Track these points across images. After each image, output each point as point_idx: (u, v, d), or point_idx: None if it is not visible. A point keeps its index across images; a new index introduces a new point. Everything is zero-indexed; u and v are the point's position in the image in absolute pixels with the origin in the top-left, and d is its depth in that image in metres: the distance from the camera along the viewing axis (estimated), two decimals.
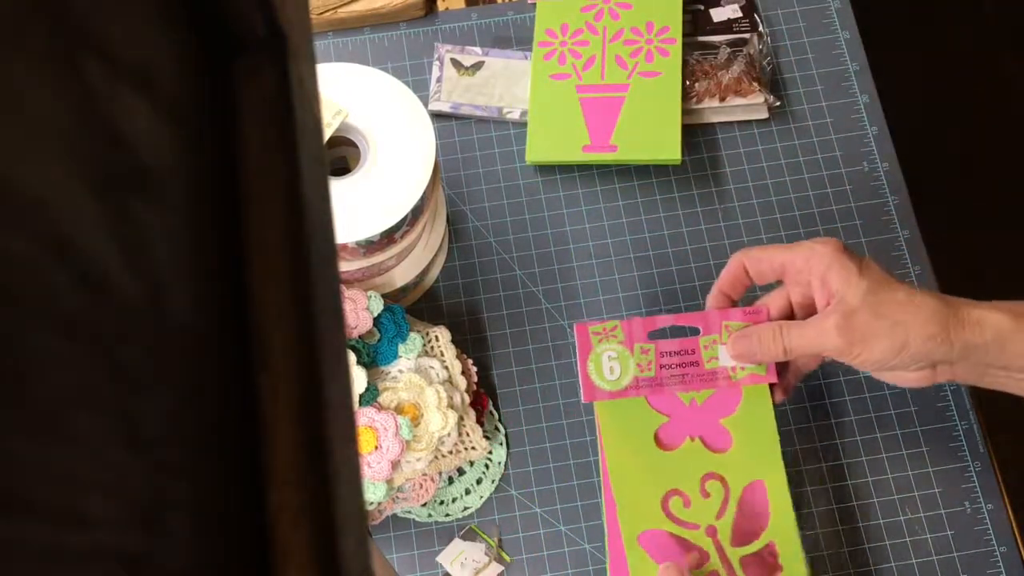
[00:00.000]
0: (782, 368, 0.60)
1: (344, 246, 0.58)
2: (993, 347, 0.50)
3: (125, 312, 0.16)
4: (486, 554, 0.62)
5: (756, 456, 0.59)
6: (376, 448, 0.57)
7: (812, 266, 0.54)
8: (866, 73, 0.75)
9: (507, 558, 0.62)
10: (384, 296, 0.61)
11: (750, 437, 0.59)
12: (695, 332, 0.61)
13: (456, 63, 0.74)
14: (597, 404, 0.59)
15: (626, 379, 0.59)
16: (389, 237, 0.59)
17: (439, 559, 0.62)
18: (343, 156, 0.63)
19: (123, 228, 0.16)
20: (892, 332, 0.50)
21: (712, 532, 0.57)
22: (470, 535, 0.63)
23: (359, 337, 0.59)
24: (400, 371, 0.60)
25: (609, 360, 0.59)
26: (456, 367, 0.61)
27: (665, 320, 0.60)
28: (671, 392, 0.60)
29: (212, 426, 0.19)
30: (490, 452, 0.63)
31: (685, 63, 0.72)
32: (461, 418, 0.60)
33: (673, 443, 0.59)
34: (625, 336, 0.60)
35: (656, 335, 0.61)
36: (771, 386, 0.59)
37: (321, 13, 0.74)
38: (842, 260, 0.52)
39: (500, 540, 0.63)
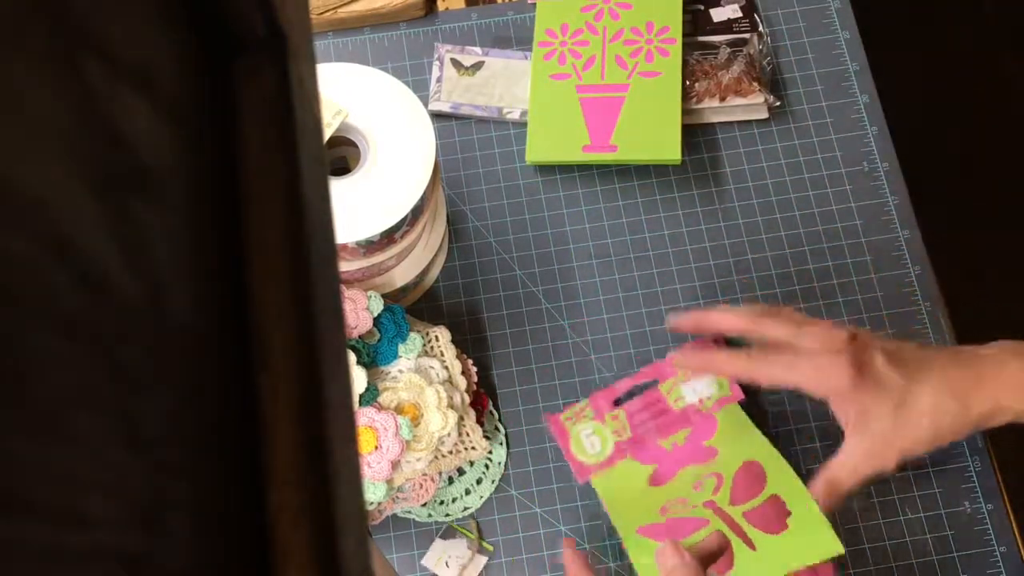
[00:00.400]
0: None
1: (344, 246, 0.58)
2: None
3: (125, 312, 0.16)
4: (468, 548, 0.62)
5: (741, 446, 0.60)
6: (376, 448, 0.57)
7: (828, 391, 0.53)
8: (866, 73, 0.74)
9: (489, 548, 0.62)
10: (384, 296, 0.61)
11: (735, 443, 0.61)
12: (654, 382, 0.64)
13: (456, 63, 0.74)
14: (593, 480, 0.62)
15: (608, 448, 0.63)
16: (389, 237, 0.59)
17: (423, 562, 0.62)
18: (343, 156, 0.63)
19: (123, 228, 0.16)
20: (920, 440, 0.52)
21: (709, 504, 0.57)
22: (449, 533, 0.63)
23: (359, 337, 0.59)
24: (400, 371, 0.60)
25: (587, 437, 0.63)
26: (456, 367, 0.61)
27: (624, 385, 0.65)
28: (652, 443, 0.63)
29: (212, 426, 0.19)
30: (490, 452, 0.63)
31: (685, 63, 0.72)
32: (461, 418, 0.60)
33: (667, 479, 0.62)
34: (594, 412, 0.64)
35: (622, 399, 0.65)
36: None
37: (321, 13, 0.74)
38: (858, 391, 0.51)
39: (480, 531, 0.63)
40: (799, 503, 0.55)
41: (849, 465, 0.54)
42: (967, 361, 0.52)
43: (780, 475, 0.57)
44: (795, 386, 0.55)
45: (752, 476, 0.58)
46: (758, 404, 0.65)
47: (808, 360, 0.53)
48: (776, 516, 0.55)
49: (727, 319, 0.57)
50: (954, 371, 0.51)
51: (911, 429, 0.52)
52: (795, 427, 0.65)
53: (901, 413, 0.51)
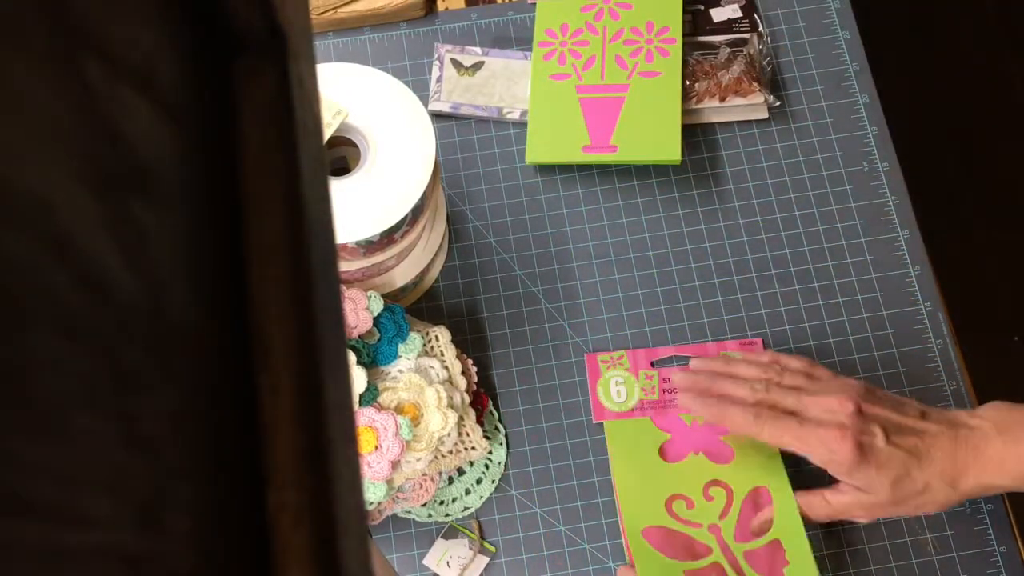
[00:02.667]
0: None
1: (344, 246, 0.58)
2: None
3: (125, 312, 0.16)
4: (470, 548, 0.62)
5: (758, 466, 0.61)
6: (376, 448, 0.57)
7: (830, 465, 0.55)
8: (866, 73, 0.74)
9: (491, 548, 0.62)
10: (384, 296, 0.61)
11: (750, 450, 0.61)
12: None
13: (456, 63, 0.74)
14: (606, 423, 0.63)
15: (632, 401, 0.64)
16: (389, 237, 0.59)
17: (425, 562, 0.62)
18: (343, 156, 0.63)
19: (123, 228, 0.16)
20: (908, 511, 0.56)
21: (715, 530, 0.58)
22: (451, 533, 0.63)
23: (359, 337, 0.59)
24: (400, 371, 0.60)
25: (616, 385, 0.64)
26: (456, 367, 0.61)
27: (667, 351, 0.66)
28: (674, 413, 0.64)
29: (212, 426, 0.19)
30: (490, 452, 0.63)
31: (685, 63, 0.72)
32: (461, 418, 0.60)
33: (677, 457, 0.62)
34: (631, 364, 0.65)
35: (659, 364, 0.66)
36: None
37: (321, 13, 0.74)
38: (859, 468, 0.53)
39: (481, 531, 0.63)
40: (798, 553, 0.57)
41: (837, 507, 0.57)
42: (963, 440, 0.54)
43: (786, 515, 0.58)
44: (799, 453, 0.57)
45: (759, 507, 0.59)
46: None
47: (813, 433, 0.54)
48: (774, 563, 0.57)
49: (742, 374, 0.60)
50: (948, 459, 0.54)
51: (902, 502, 0.55)
52: None
53: (897, 488, 0.54)
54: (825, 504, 0.57)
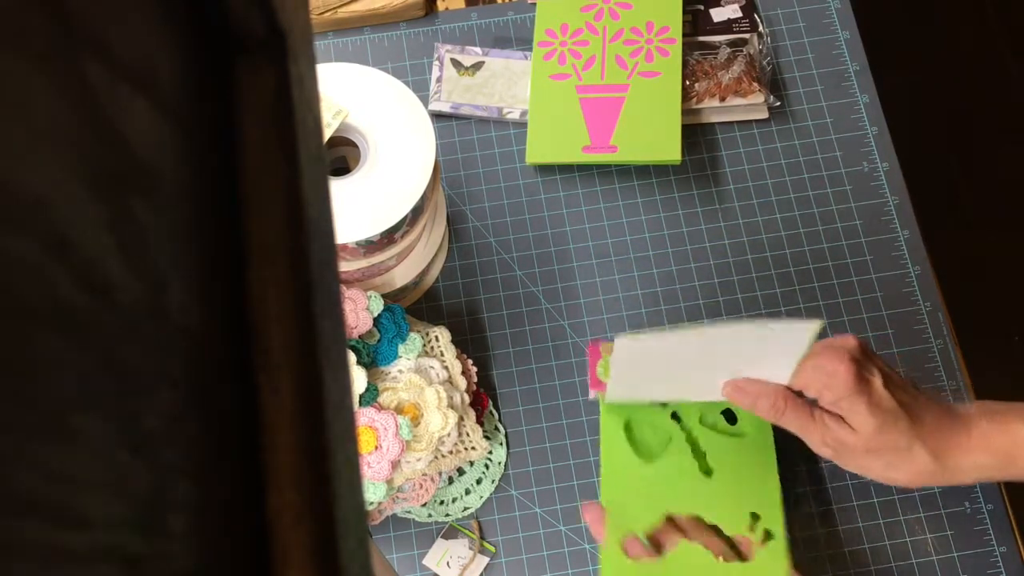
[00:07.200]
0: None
1: (344, 246, 0.58)
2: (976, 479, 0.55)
3: (125, 312, 0.16)
4: (470, 548, 0.62)
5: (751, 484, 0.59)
6: (376, 448, 0.57)
7: (824, 391, 0.54)
8: (866, 73, 0.75)
9: (491, 548, 0.62)
10: (384, 296, 0.61)
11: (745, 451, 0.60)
12: None
13: (456, 63, 0.74)
14: (600, 396, 0.61)
15: None
16: (389, 237, 0.59)
17: (424, 562, 0.62)
18: (343, 156, 0.63)
19: (123, 228, 0.16)
20: (883, 471, 0.55)
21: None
22: (451, 533, 0.63)
23: (359, 337, 0.59)
24: (400, 371, 0.60)
25: None
26: (456, 367, 0.61)
27: None
28: None
29: (212, 426, 0.19)
30: (490, 452, 0.63)
31: (685, 63, 0.72)
32: (461, 418, 0.60)
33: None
34: None
35: None
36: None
37: (321, 13, 0.74)
38: (854, 395, 0.52)
39: (481, 531, 0.63)
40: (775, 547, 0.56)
41: (816, 424, 0.55)
42: (953, 414, 0.54)
43: (771, 514, 0.57)
44: (795, 388, 0.55)
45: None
46: None
47: (811, 362, 0.53)
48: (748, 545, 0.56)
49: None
50: (937, 428, 0.53)
51: (877, 452, 0.53)
52: None
53: (880, 434, 0.53)
54: (807, 417, 0.55)
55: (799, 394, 0.56)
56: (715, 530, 0.57)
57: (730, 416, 0.62)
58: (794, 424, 0.56)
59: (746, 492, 0.59)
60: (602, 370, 0.61)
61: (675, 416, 0.61)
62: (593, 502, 0.59)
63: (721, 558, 0.55)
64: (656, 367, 0.57)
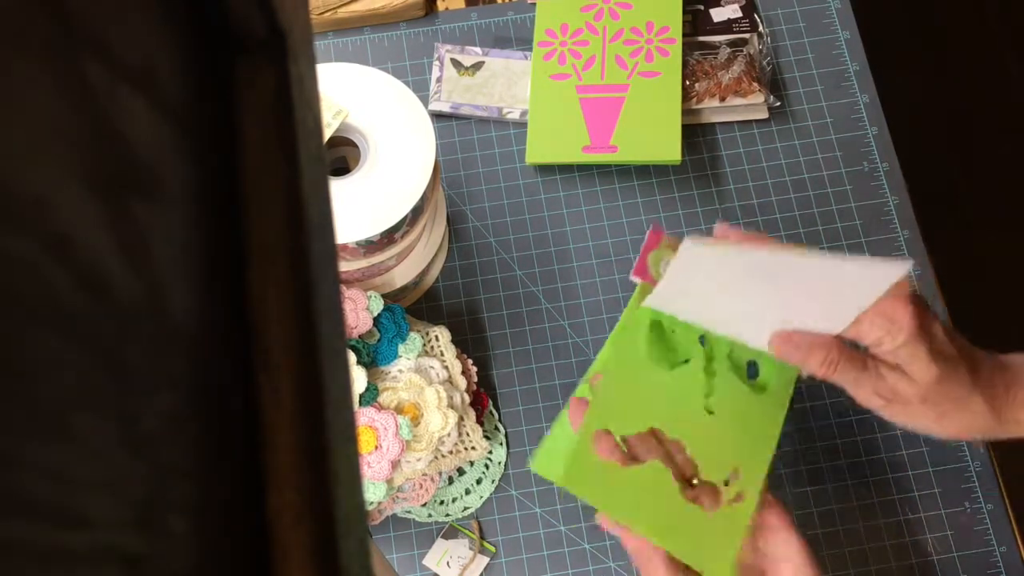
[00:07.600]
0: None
1: (344, 246, 0.58)
2: None
3: (125, 312, 0.16)
4: (470, 548, 0.62)
5: (751, 434, 0.55)
6: (376, 448, 0.57)
7: (885, 337, 0.49)
8: (866, 73, 0.75)
9: (491, 548, 0.62)
10: (384, 296, 0.61)
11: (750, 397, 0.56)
12: None
13: (456, 63, 0.74)
14: (640, 285, 0.56)
15: None
16: (389, 237, 0.59)
17: (424, 562, 0.62)
18: (343, 156, 0.63)
19: (123, 228, 0.16)
20: (934, 422, 0.50)
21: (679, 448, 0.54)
22: (451, 533, 0.63)
23: (359, 337, 0.59)
24: (400, 371, 0.60)
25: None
26: (456, 367, 0.61)
27: None
28: None
29: (212, 426, 0.19)
30: (490, 452, 0.63)
31: (685, 63, 0.72)
32: (461, 418, 0.60)
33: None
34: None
35: None
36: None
37: (321, 13, 0.74)
38: (916, 341, 0.48)
39: (481, 531, 0.63)
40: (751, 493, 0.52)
41: (869, 373, 0.50)
42: (1008, 367, 0.50)
43: (753, 476, 0.53)
44: (849, 337, 0.51)
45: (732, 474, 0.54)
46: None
47: (872, 309, 0.49)
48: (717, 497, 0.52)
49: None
50: (998, 379, 0.49)
51: (935, 403, 0.49)
52: (795, 427, 0.65)
53: (940, 385, 0.48)
54: (861, 367, 0.50)
55: (850, 343, 0.51)
56: (692, 465, 0.53)
57: (752, 372, 0.59)
58: (846, 377, 0.51)
59: (739, 446, 0.55)
60: (652, 262, 0.56)
61: (702, 341, 0.57)
62: (581, 398, 0.54)
63: (683, 492, 0.52)
64: (712, 286, 0.53)
